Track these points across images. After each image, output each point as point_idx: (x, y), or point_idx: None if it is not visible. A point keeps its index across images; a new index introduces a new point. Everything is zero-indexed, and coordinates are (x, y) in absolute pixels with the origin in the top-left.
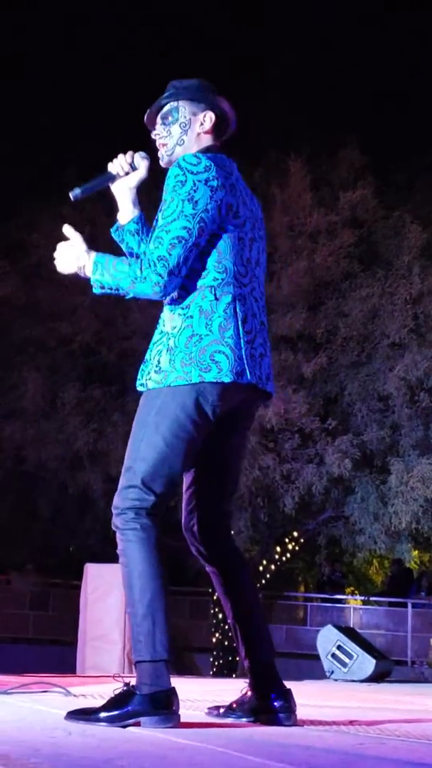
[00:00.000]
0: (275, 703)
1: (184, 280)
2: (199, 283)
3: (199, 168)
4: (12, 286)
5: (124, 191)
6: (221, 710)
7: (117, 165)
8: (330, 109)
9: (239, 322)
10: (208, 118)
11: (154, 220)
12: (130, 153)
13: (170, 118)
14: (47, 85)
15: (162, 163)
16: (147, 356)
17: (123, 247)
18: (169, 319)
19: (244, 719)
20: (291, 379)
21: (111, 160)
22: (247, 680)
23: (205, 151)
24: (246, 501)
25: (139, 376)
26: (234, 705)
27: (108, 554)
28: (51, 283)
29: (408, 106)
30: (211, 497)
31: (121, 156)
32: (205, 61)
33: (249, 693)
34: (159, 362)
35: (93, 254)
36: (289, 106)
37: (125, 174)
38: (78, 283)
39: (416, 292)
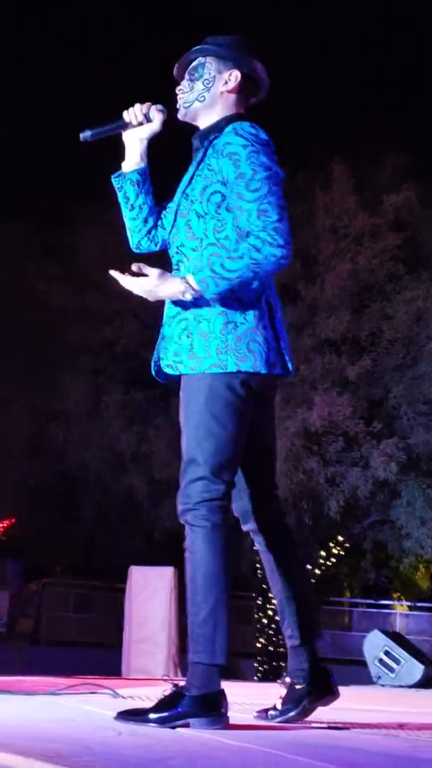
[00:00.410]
0: (311, 684)
1: (214, 257)
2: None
3: (262, 139)
4: (61, 291)
5: (134, 140)
6: (269, 712)
7: (132, 113)
8: (374, 112)
9: (272, 313)
10: (234, 77)
11: (187, 182)
12: (147, 104)
13: (195, 74)
14: (98, 94)
15: (179, 115)
16: (167, 332)
17: (119, 195)
18: (201, 305)
19: (293, 713)
20: (335, 382)
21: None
22: (286, 676)
23: (237, 116)
24: (290, 505)
25: (162, 355)
26: (280, 703)
27: (151, 557)
28: (96, 287)
29: None
30: (256, 472)
31: (137, 105)
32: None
33: (290, 682)
34: (192, 346)
35: (187, 276)
36: (333, 109)
37: (138, 124)
38: (120, 287)
39: None
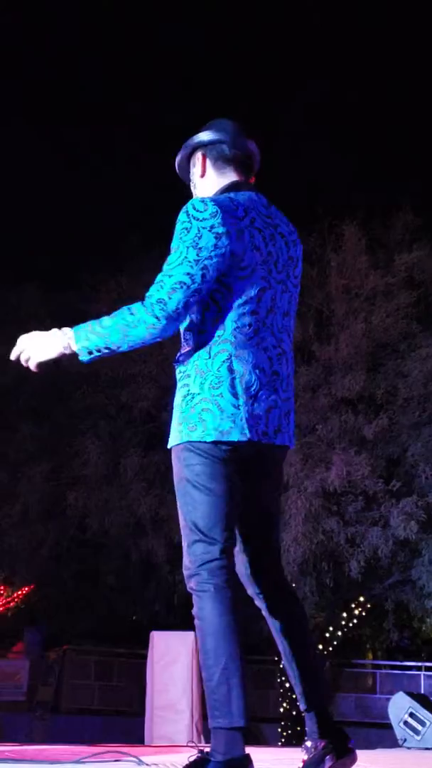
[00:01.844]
0: (329, 745)
1: (187, 333)
2: (199, 341)
3: (204, 215)
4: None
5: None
6: None
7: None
8: (383, 172)
9: (235, 380)
10: (198, 159)
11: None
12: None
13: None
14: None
15: None
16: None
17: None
18: (177, 380)
19: None
20: (353, 440)
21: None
22: (306, 740)
23: (225, 189)
24: (311, 566)
25: None
26: (303, 766)
27: (173, 621)
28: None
29: None
30: (255, 537)
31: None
32: (261, 126)
33: (309, 746)
34: (174, 420)
35: (67, 329)
36: (342, 171)
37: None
38: (136, 351)
39: None
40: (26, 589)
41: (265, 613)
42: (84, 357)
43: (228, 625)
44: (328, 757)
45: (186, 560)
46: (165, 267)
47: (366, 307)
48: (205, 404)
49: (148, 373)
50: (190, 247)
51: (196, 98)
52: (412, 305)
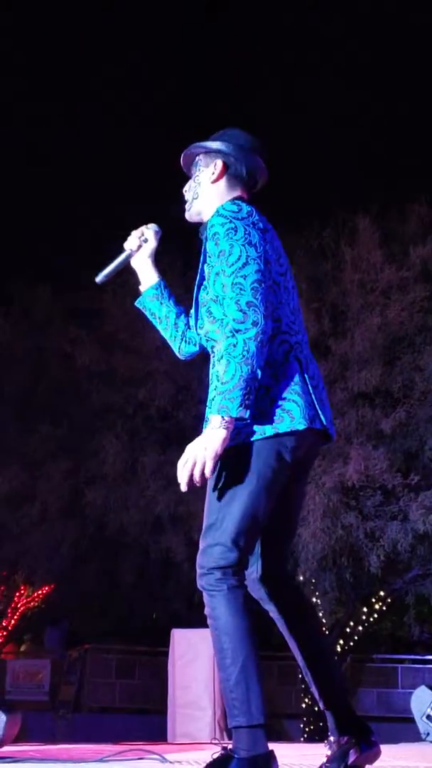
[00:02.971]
0: (353, 739)
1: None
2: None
3: (242, 214)
4: (89, 354)
5: (141, 264)
6: None
7: (130, 242)
8: (396, 164)
9: (303, 368)
10: (217, 167)
11: (198, 274)
12: (140, 228)
13: (192, 171)
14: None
15: (186, 216)
16: (207, 413)
17: (147, 314)
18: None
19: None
20: (370, 435)
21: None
22: (329, 735)
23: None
24: (330, 561)
25: None
26: (327, 762)
27: (193, 619)
28: (126, 349)
29: None
30: (274, 542)
31: (133, 233)
32: (274, 122)
33: (332, 741)
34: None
35: (212, 418)
36: (356, 163)
37: (138, 248)
38: (152, 348)
39: None
40: (46, 588)
41: (277, 613)
42: (245, 414)
43: (243, 624)
44: (351, 751)
45: (201, 558)
46: (228, 269)
47: (381, 301)
48: (286, 395)
49: (164, 371)
50: (246, 246)
51: (200, 84)
52: (427, 298)
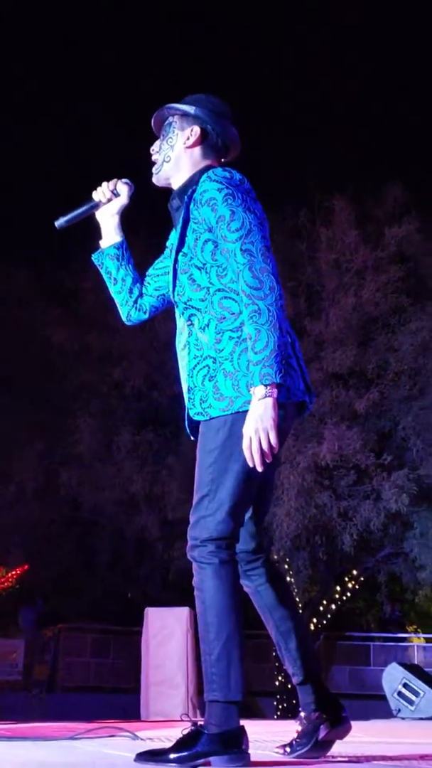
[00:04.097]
0: (323, 715)
1: (229, 300)
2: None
3: (235, 180)
4: (64, 334)
5: (107, 217)
6: (286, 748)
7: (100, 192)
8: (372, 146)
9: (294, 342)
10: (194, 132)
11: (177, 240)
12: (113, 180)
13: (165, 133)
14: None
15: (154, 181)
16: (189, 383)
17: (102, 272)
18: (213, 341)
19: (307, 747)
20: (344, 415)
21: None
22: (300, 711)
23: (206, 169)
24: (303, 540)
25: (189, 406)
26: (296, 738)
27: (167, 598)
28: (101, 329)
29: None
30: (252, 516)
31: (104, 183)
32: (250, 103)
33: (303, 717)
34: (217, 388)
35: (255, 389)
36: (332, 145)
37: (107, 201)
38: (127, 329)
39: None
40: (21, 568)
41: (253, 588)
42: (281, 378)
43: (231, 600)
44: (322, 726)
45: (194, 530)
46: (232, 235)
47: (356, 281)
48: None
49: (139, 351)
50: (247, 212)
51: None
52: (401, 279)
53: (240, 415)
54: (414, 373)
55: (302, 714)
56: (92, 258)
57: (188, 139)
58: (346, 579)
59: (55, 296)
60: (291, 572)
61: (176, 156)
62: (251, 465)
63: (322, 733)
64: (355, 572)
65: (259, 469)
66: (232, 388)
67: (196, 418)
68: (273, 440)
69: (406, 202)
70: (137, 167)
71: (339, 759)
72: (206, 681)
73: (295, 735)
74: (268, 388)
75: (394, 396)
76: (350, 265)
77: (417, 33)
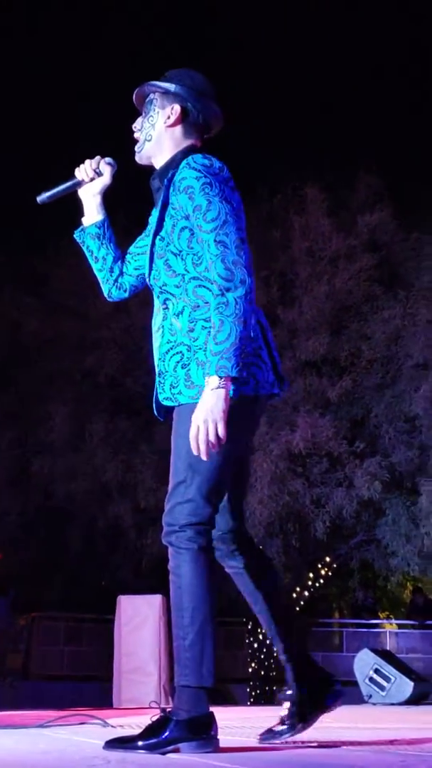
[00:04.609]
0: (331, 685)
1: (203, 289)
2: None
3: (214, 169)
4: (37, 320)
5: (89, 196)
6: (271, 731)
7: (83, 171)
8: (345, 134)
9: (267, 333)
10: (175, 111)
11: (156, 223)
12: (96, 158)
13: (146, 111)
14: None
15: (136, 159)
16: (161, 367)
17: (84, 250)
18: (186, 329)
19: (294, 730)
20: (317, 403)
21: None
22: (287, 688)
23: (190, 149)
24: (276, 527)
25: (159, 390)
26: (282, 720)
27: (140, 586)
28: (75, 316)
29: (423, 127)
30: (232, 499)
31: (87, 161)
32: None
33: (291, 696)
34: (188, 376)
35: (209, 379)
36: (305, 132)
37: (90, 180)
38: (101, 316)
39: None
40: None
41: (237, 567)
42: (242, 373)
43: (207, 586)
44: (303, 708)
45: (170, 516)
46: (207, 225)
47: (329, 269)
48: (250, 359)
49: (112, 339)
50: (224, 202)
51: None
52: (374, 267)
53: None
54: (386, 361)
55: (288, 691)
56: (74, 236)
57: (168, 117)
58: (319, 566)
59: (26, 283)
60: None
61: (157, 135)
62: (196, 453)
63: (305, 715)
64: (327, 559)
65: (205, 458)
66: (203, 377)
67: (165, 402)
68: (221, 432)
69: (379, 190)
70: (118, 148)
71: (309, 744)
72: (178, 666)
73: (282, 715)
74: (222, 380)
75: (366, 384)
76: (323, 253)
77: (390, 19)
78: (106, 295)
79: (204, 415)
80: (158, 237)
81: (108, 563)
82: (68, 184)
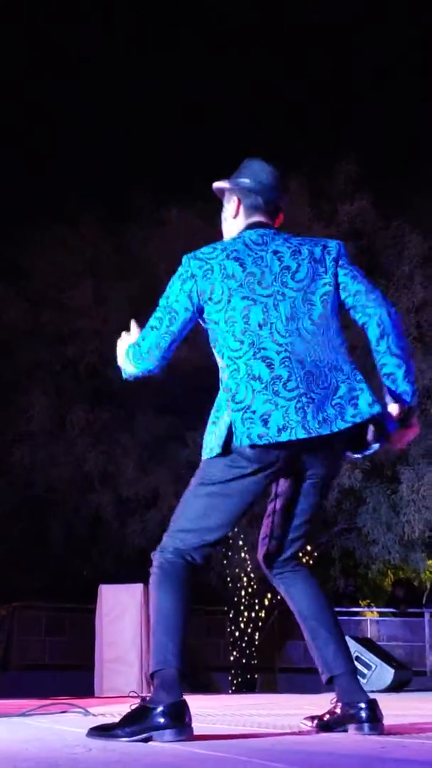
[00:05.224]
0: (361, 713)
1: (221, 369)
2: (221, 366)
3: (180, 266)
4: (16, 311)
5: None
6: (315, 722)
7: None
8: (326, 123)
9: (249, 388)
10: (232, 205)
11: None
12: (123, 337)
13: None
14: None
15: None
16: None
17: None
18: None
19: (337, 730)
20: None
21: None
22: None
23: (246, 227)
24: (258, 517)
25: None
26: (326, 716)
27: (122, 576)
28: (54, 306)
29: (402, 115)
30: (281, 533)
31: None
32: (203, 82)
33: (338, 705)
34: (209, 435)
35: (412, 417)
36: (285, 121)
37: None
38: (81, 306)
39: (419, 300)
40: None
41: (284, 591)
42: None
43: (175, 596)
44: (352, 725)
45: (163, 540)
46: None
47: None
48: (231, 416)
49: (92, 329)
50: (163, 296)
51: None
52: (355, 256)
53: (207, 461)
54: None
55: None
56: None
57: (230, 209)
58: (301, 554)
59: (4, 274)
60: (246, 549)
61: (227, 225)
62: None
63: (351, 731)
64: (309, 548)
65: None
66: (212, 436)
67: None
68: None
69: (359, 178)
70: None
71: (285, 732)
72: (151, 657)
73: (328, 709)
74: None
75: None
76: None
77: (370, 6)
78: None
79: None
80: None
81: (89, 553)
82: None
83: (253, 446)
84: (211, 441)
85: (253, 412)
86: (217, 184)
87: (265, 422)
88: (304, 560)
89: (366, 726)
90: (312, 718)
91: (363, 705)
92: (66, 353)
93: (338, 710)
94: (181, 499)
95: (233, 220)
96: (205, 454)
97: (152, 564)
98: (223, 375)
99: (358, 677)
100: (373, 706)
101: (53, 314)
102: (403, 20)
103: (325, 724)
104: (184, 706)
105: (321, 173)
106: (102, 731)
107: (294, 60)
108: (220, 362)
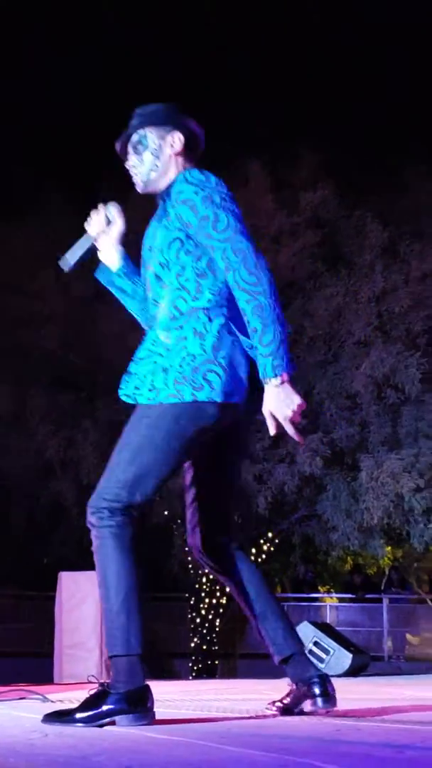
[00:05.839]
0: (315, 689)
1: (178, 300)
2: (194, 304)
3: (211, 183)
4: None
5: (108, 245)
6: (276, 706)
7: (94, 225)
8: (287, 111)
9: (235, 343)
10: (177, 138)
11: (150, 236)
12: (101, 209)
13: (140, 147)
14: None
15: (139, 190)
16: (133, 369)
17: (113, 291)
18: (162, 338)
19: (296, 711)
20: None
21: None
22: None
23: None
24: None
25: (122, 386)
26: (285, 699)
27: (83, 563)
28: (13, 290)
29: (363, 104)
30: (211, 512)
31: (94, 214)
32: (164, 66)
33: (293, 685)
34: (153, 382)
35: (270, 380)
36: (247, 109)
37: (104, 232)
38: (40, 290)
39: (379, 290)
40: None
41: (222, 572)
42: (292, 369)
43: (127, 560)
44: (307, 701)
45: (93, 498)
46: (219, 234)
47: (272, 247)
48: (210, 366)
49: (52, 313)
50: (228, 212)
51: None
52: (317, 245)
53: (164, 406)
54: (329, 338)
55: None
56: (96, 276)
57: (172, 146)
58: (262, 541)
59: None
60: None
61: (164, 164)
62: (297, 438)
63: (306, 707)
64: (270, 535)
65: (301, 441)
66: (162, 382)
67: (123, 398)
68: (298, 405)
69: (321, 166)
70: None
71: (243, 716)
72: (107, 638)
73: (286, 692)
74: (280, 377)
75: (308, 360)
76: (266, 230)
77: None
78: (144, 324)
79: (282, 410)
80: (148, 249)
81: (50, 540)
82: (87, 246)
83: (215, 402)
84: (219, 383)
85: (235, 368)
86: (147, 120)
87: (241, 382)
88: (264, 547)
89: (320, 700)
90: (273, 702)
91: (315, 680)
92: (24, 338)
93: (294, 690)
94: (128, 442)
95: (171, 158)
96: (198, 396)
97: (94, 525)
98: (218, 314)
99: (317, 662)
100: (324, 680)
101: (11, 299)
102: (368, 7)
103: (286, 708)
104: (147, 690)
105: (283, 162)
106: (59, 716)
107: (256, 46)
108: (215, 301)
